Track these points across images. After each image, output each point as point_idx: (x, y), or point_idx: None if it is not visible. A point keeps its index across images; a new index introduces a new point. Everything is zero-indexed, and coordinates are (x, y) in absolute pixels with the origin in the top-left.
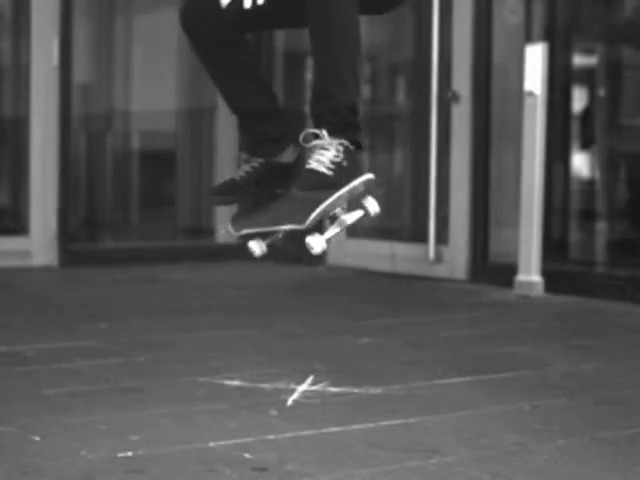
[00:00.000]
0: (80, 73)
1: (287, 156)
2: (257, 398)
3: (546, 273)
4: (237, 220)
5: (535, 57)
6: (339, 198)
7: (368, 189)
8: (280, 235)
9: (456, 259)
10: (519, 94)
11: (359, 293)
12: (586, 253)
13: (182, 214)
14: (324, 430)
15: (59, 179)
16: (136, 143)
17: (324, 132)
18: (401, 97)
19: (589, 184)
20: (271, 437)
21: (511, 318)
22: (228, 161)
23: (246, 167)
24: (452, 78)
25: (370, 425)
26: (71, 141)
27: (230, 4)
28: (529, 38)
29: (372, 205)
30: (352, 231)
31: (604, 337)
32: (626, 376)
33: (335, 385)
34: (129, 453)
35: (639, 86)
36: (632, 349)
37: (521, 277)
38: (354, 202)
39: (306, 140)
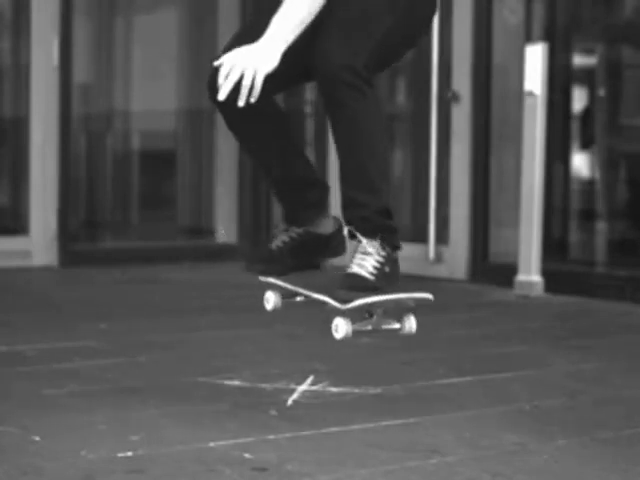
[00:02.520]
0: (80, 73)
1: (326, 227)
2: (257, 398)
3: (546, 273)
4: (263, 264)
5: (535, 57)
6: (387, 301)
7: (417, 305)
8: (305, 299)
9: (456, 259)
10: (519, 94)
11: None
12: (586, 253)
13: (182, 214)
14: (324, 430)
15: (59, 179)
16: (136, 143)
17: (363, 239)
18: (401, 97)
19: (589, 184)
20: (271, 437)
21: (511, 318)
22: (228, 161)
23: (283, 237)
24: (452, 78)
25: (370, 425)
26: (71, 141)
27: (228, 97)
28: (529, 38)
29: (410, 324)
30: None
31: (604, 337)
32: (626, 376)
33: (335, 385)
34: (129, 453)
35: (639, 86)
36: (632, 349)
37: (521, 277)
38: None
39: (351, 235)
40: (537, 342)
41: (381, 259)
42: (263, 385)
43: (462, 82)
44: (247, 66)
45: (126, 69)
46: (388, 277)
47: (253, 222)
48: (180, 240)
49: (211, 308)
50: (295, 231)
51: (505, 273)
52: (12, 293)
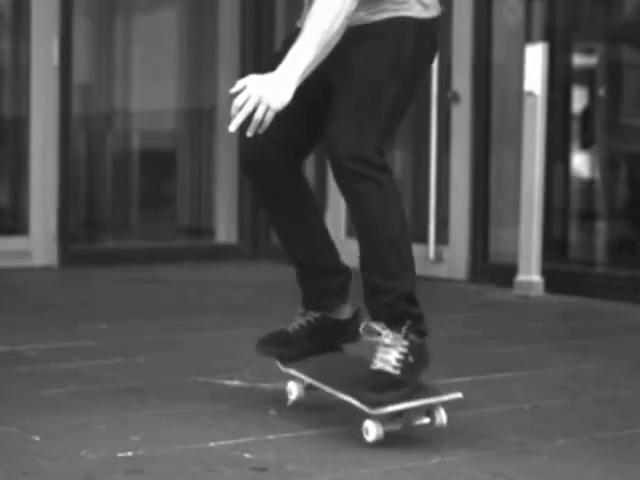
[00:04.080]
0: (80, 73)
1: (344, 312)
2: (257, 398)
3: (546, 273)
4: (283, 349)
5: (535, 57)
6: (418, 406)
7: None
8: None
9: (456, 259)
10: (519, 94)
11: (359, 293)
12: (586, 253)
13: (182, 214)
14: (324, 430)
15: (59, 179)
16: (136, 143)
17: (385, 330)
18: None
19: (589, 184)
20: (271, 437)
21: (511, 318)
22: (228, 161)
23: (300, 320)
24: (452, 78)
25: None
26: (71, 141)
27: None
28: (529, 38)
29: (441, 417)
30: (352, 231)
31: (604, 337)
32: (626, 376)
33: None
34: (129, 453)
35: (639, 86)
36: (632, 349)
37: (521, 277)
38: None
39: (367, 331)
40: (537, 342)
41: (404, 350)
42: (263, 385)
43: (462, 82)
44: (260, 100)
45: (126, 69)
46: (413, 368)
47: (253, 222)
48: (180, 240)
49: (211, 308)
50: (312, 315)
51: (505, 273)
52: (12, 293)
